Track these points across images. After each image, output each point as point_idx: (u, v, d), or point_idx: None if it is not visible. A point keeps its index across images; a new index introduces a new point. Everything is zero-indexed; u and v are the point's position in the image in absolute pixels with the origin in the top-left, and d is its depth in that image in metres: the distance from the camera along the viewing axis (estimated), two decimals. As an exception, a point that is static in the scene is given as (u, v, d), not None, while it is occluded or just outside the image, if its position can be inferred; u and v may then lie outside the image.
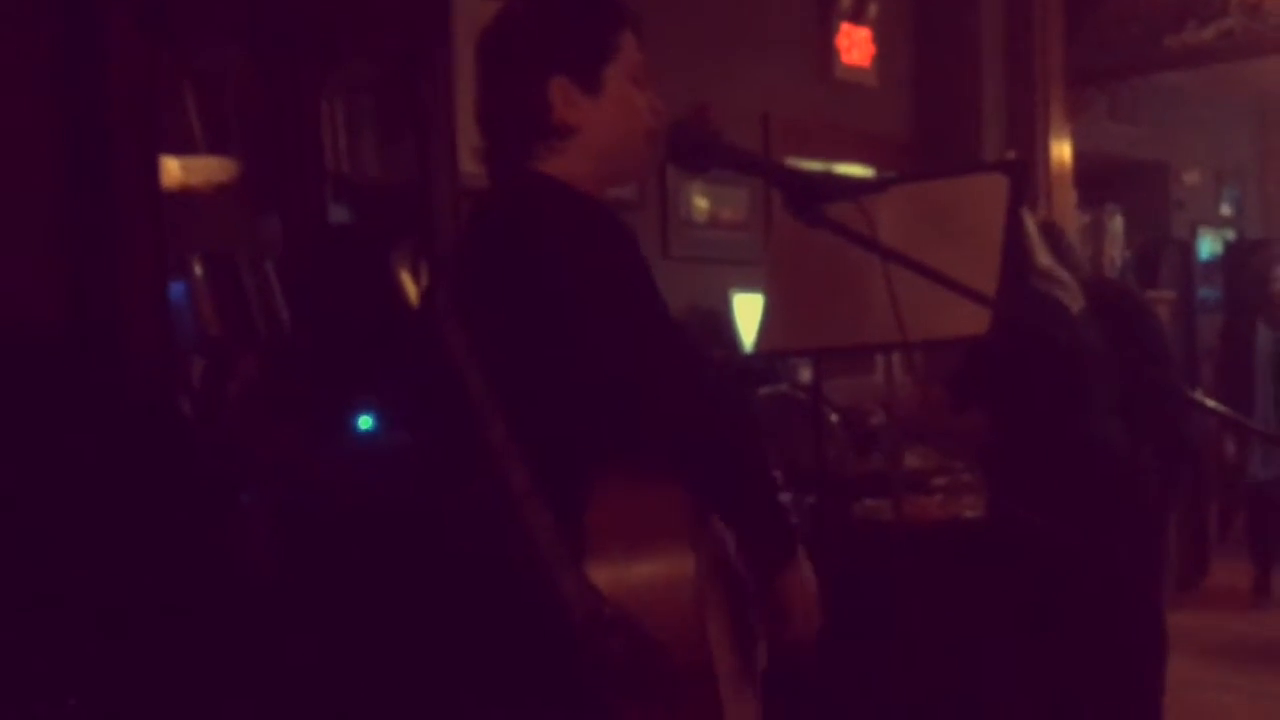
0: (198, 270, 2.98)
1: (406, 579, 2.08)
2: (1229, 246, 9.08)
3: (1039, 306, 3.12)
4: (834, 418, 3.33)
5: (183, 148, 3.01)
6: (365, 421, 2.97)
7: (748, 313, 4.44)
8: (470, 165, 3.62)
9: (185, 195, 3.01)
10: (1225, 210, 9.98)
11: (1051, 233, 4.16)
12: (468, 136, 3.38)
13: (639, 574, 1.50)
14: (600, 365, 1.55)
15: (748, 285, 4.47)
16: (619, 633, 1.46)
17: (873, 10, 5.56)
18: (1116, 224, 6.11)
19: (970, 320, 2.36)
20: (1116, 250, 6.11)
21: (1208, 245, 9.48)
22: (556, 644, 1.50)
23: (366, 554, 2.56)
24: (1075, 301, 3.37)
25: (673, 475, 1.53)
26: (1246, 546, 6.66)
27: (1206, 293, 8.65)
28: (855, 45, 5.55)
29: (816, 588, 1.67)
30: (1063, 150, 6.07)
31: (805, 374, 3.91)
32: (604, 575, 1.50)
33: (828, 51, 5.45)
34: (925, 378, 3.59)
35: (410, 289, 3.22)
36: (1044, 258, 3.30)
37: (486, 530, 1.60)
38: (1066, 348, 3.00)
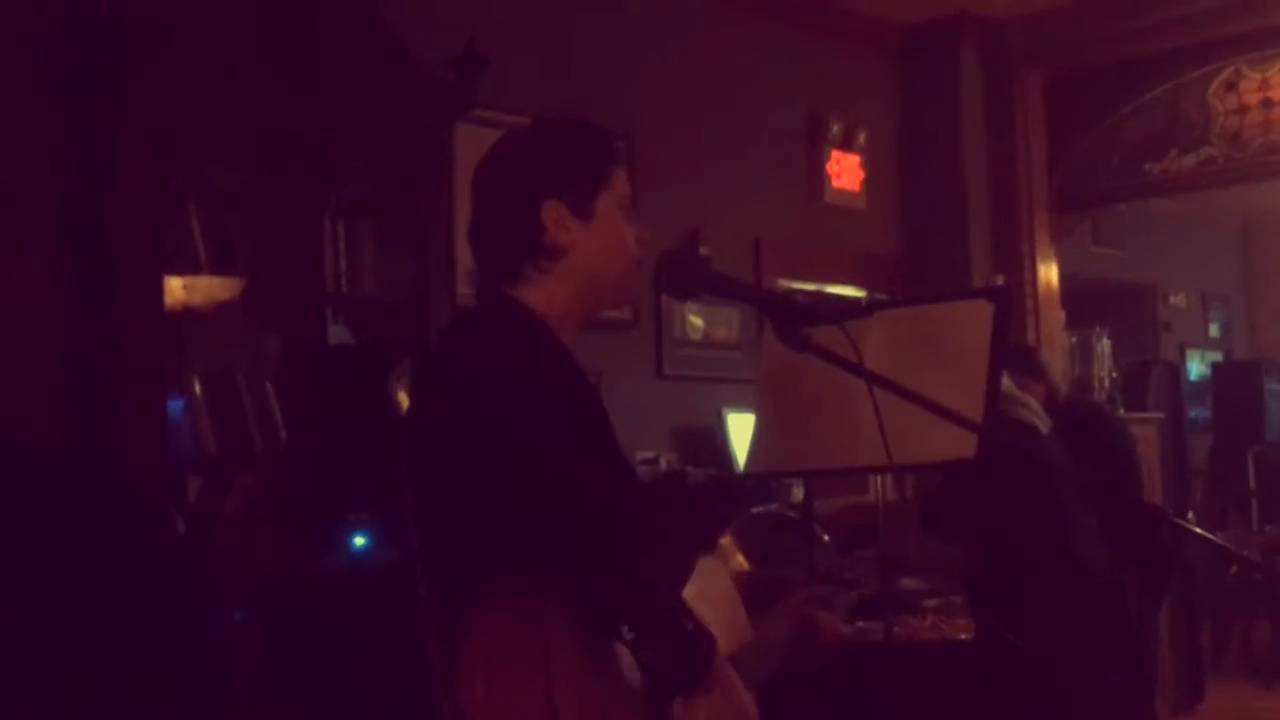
0: (197, 388, 3.00)
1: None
2: (1217, 367, 9.13)
3: (1007, 429, 3.14)
4: (825, 538, 3.32)
5: (186, 267, 3.05)
6: (360, 540, 2.96)
7: (740, 431, 4.45)
8: (467, 286, 3.69)
9: (187, 314, 3.04)
10: (1213, 331, 10.06)
11: (1023, 353, 4.21)
12: (465, 258, 3.44)
13: (497, 703, 1.49)
14: (486, 490, 1.57)
15: (741, 404, 4.49)
16: None
17: (862, 138, 5.68)
18: (1104, 345, 6.17)
19: (957, 445, 2.38)
20: (1105, 371, 6.17)
21: (1196, 366, 9.54)
22: None
23: (356, 667, 2.54)
24: (1042, 422, 3.40)
25: (545, 603, 1.52)
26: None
27: (1196, 413, 8.67)
28: (845, 171, 5.65)
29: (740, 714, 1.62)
30: (1049, 273, 6.14)
31: (798, 493, 3.92)
32: (470, 701, 1.50)
33: (818, 177, 5.55)
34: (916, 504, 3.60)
35: (406, 406, 3.23)
36: (1005, 381, 3.33)
37: (399, 652, 1.61)
38: (1037, 468, 3.02)
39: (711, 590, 1.88)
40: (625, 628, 1.53)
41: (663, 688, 1.58)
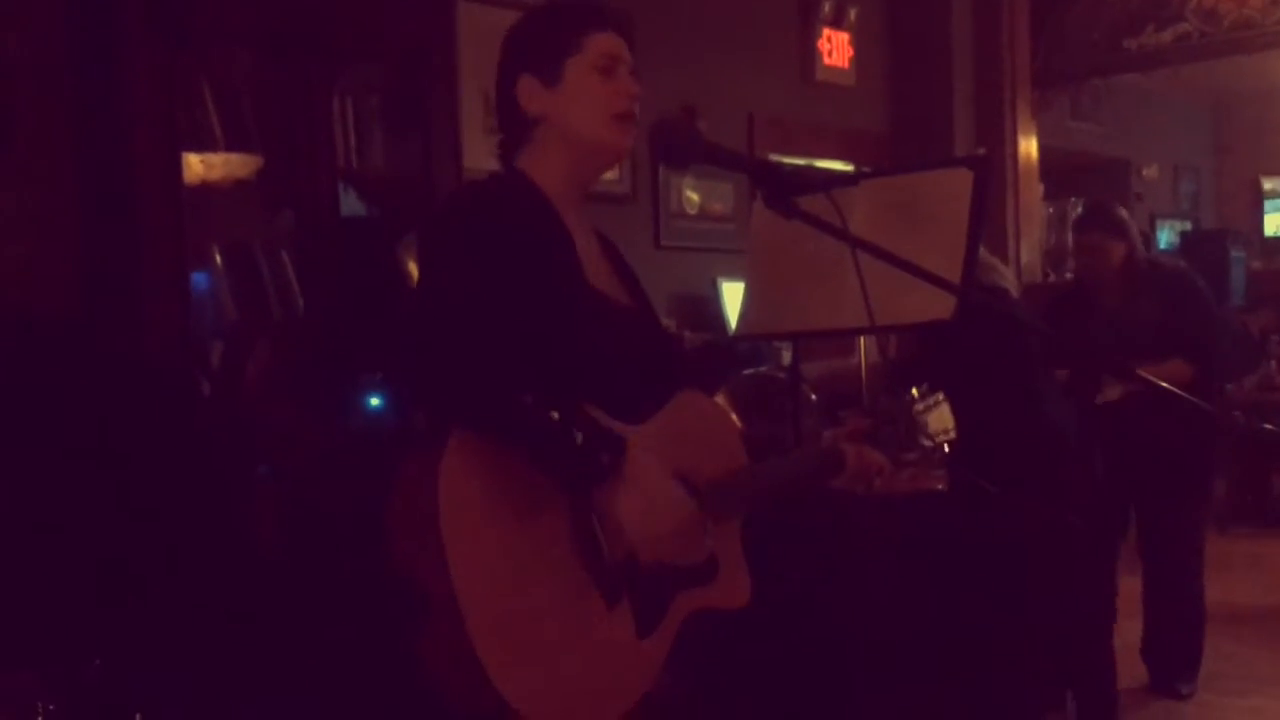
0: (217, 260, 2.99)
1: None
2: (1185, 236, 9.08)
3: (980, 292, 3.12)
4: (812, 397, 3.33)
5: (203, 145, 3.01)
6: (374, 400, 2.97)
7: (734, 299, 4.43)
8: (472, 159, 3.64)
9: (205, 189, 3.01)
10: (1182, 202, 9.98)
11: (1103, 211, 4.14)
12: (470, 131, 3.38)
13: (399, 522, 1.52)
14: (404, 329, 1.60)
15: (734, 273, 4.47)
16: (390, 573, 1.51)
17: (852, 15, 5.56)
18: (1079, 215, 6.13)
19: (936, 305, 2.36)
20: (1079, 239, 6.12)
21: (1166, 235, 9.49)
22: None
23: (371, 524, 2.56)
24: (1012, 286, 3.38)
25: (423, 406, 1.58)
26: None
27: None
28: (835, 48, 5.55)
29: (665, 511, 1.64)
30: (1029, 146, 6.06)
31: (788, 356, 3.92)
32: (395, 552, 1.52)
33: (810, 54, 5.45)
34: (899, 362, 3.59)
35: (415, 275, 3.21)
36: (981, 249, 3.29)
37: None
38: (1007, 329, 3.00)
39: (704, 420, 1.87)
40: (510, 443, 1.54)
41: (568, 488, 1.60)
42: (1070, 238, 4.30)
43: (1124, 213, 4.12)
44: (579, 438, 1.55)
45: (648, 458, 1.64)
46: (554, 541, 1.58)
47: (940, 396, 2.23)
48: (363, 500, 2.63)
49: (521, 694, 1.48)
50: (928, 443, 2.25)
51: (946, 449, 2.93)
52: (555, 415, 1.54)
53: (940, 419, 2.30)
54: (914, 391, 2.16)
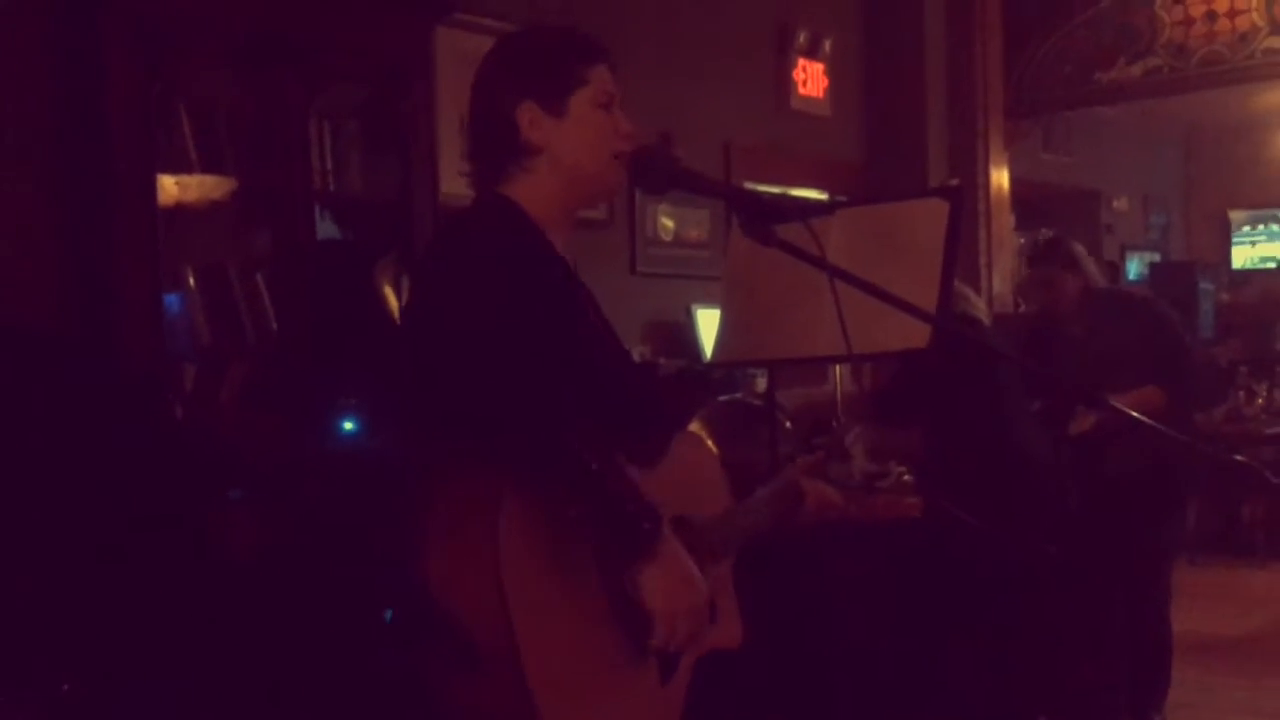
0: (191, 282, 2.97)
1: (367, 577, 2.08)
2: (1154, 267, 9.16)
3: (954, 322, 3.14)
4: (788, 424, 3.33)
5: (179, 167, 2.99)
6: (349, 424, 2.95)
7: (709, 325, 4.44)
8: (449, 183, 3.63)
9: (180, 211, 2.99)
10: (1152, 234, 10.08)
11: (1053, 246, 4.16)
12: (447, 156, 3.38)
13: (448, 563, 1.49)
14: (440, 370, 1.57)
15: (709, 300, 4.48)
16: (437, 621, 1.48)
17: (827, 46, 5.60)
18: (1051, 246, 6.17)
19: (911, 334, 2.37)
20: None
21: (1135, 266, 9.58)
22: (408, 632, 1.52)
23: (345, 547, 2.54)
24: (984, 315, 3.40)
25: (499, 479, 1.51)
26: None
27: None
28: (810, 78, 5.58)
29: (684, 590, 1.62)
30: (1001, 177, 6.11)
31: (762, 384, 3.92)
32: (431, 573, 1.50)
33: (785, 84, 5.49)
34: (870, 394, 3.60)
35: (391, 299, 3.20)
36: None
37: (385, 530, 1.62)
38: (981, 358, 3.02)
39: (693, 460, 1.88)
40: (570, 506, 1.53)
41: (607, 555, 1.59)
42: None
43: (1077, 247, 4.15)
44: (628, 505, 1.54)
45: (674, 540, 1.63)
46: (593, 592, 1.58)
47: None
48: (339, 522, 2.62)
49: None
50: (859, 476, 2.29)
51: (908, 478, 2.94)
52: (594, 467, 1.52)
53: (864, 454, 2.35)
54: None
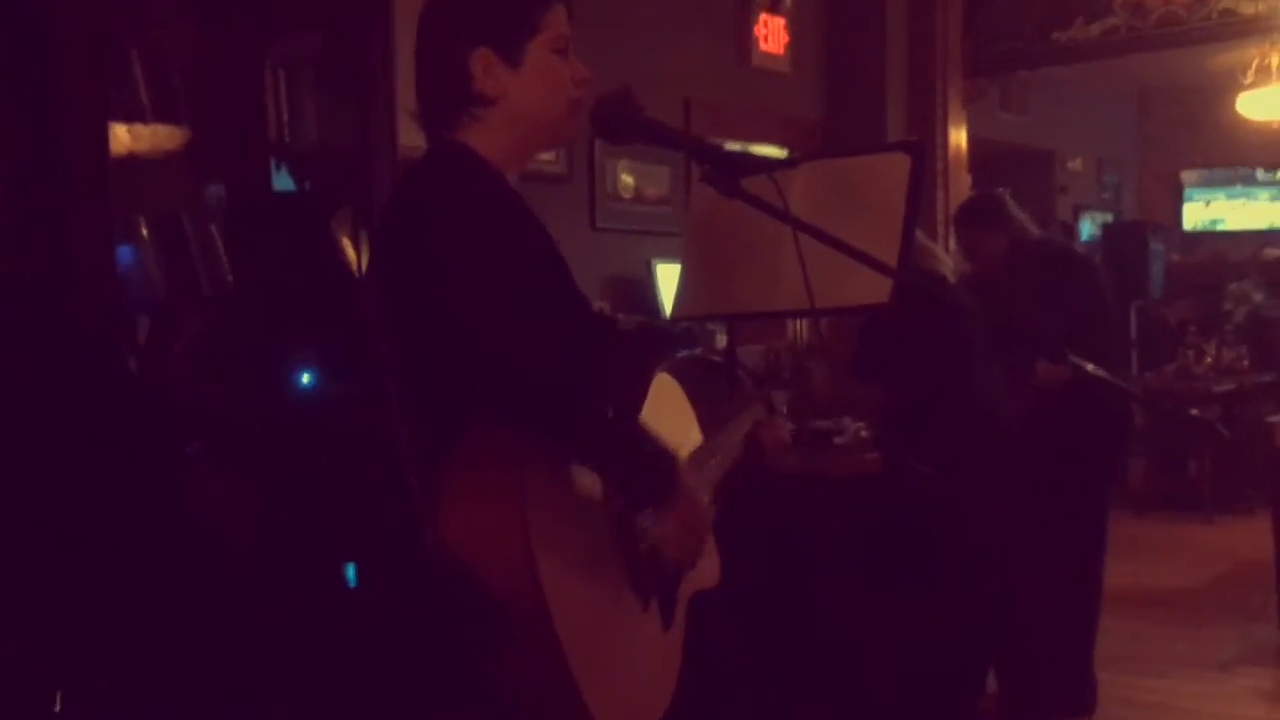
0: (145, 233, 2.91)
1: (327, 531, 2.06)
2: (1107, 228, 9.25)
3: (920, 276, 3.14)
4: (747, 380, 3.33)
5: (131, 115, 2.93)
6: (305, 377, 2.92)
7: (668, 281, 4.43)
8: (408, 135, 3.59)
9: (133, 161, 2.93)
10: (1105, 194, 10.17)
11: (980, 207, 4.13)
12: (406, 106, 3.33)
13: (473, 526, 1.47)
14: (453, 324, 1.54)
15: (669, 256, 4.47)
16: (461, 583, 1.45)
17: (788, 1, 5.57)
18: (1007, 205, 6.19)
19: (873, 289, 2.37)
20: (1006, 229, 6.19)
21: (1088, 226, 9.66)
22: (424, 594, 1.49)
23: (302, 503, 2.53)
24: (949, 270, 3.40)
25: (514, 426, 1.50)
26: None
27: (1087, 270, 8.76)
28: (771, 34, 5.55)
29: (697, 523, 1.66)
30: (959, 137, 6.12)
31: (721, 340, 3.92)
32: (450, 528, 1.47)
33: (746, 39, 5.45)
34: (831, 349, 3.61)
35: (349, 252, 3.16)
36: (917, 232, 3.30)
37: (377, 485, 1.60)
38: (943, 313, 3.03)
39: (668, 401, 1.90)
40: (591, 459, 1.55)
41: (630, 504, 1.61)
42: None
43: (1003, 203, 4.04)
44: (649, 450, 1.56)
45: (690, 474, 1.66)
46: (609, 548, 1.59)
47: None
48: (296, 479, 2.60)
49: (604, 708, 1.48)
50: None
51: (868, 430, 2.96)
52: (611, 414, 1.55)
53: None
54: None
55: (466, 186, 1.70)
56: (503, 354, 1.51)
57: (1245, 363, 7.78)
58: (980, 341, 3.30)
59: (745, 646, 2.08)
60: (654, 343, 3.87)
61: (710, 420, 1.99)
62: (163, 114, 2.99)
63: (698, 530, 1.67)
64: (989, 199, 4.13)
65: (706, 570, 1.83)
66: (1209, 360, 7.76)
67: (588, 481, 1.58)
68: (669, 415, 1.86)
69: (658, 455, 1.58)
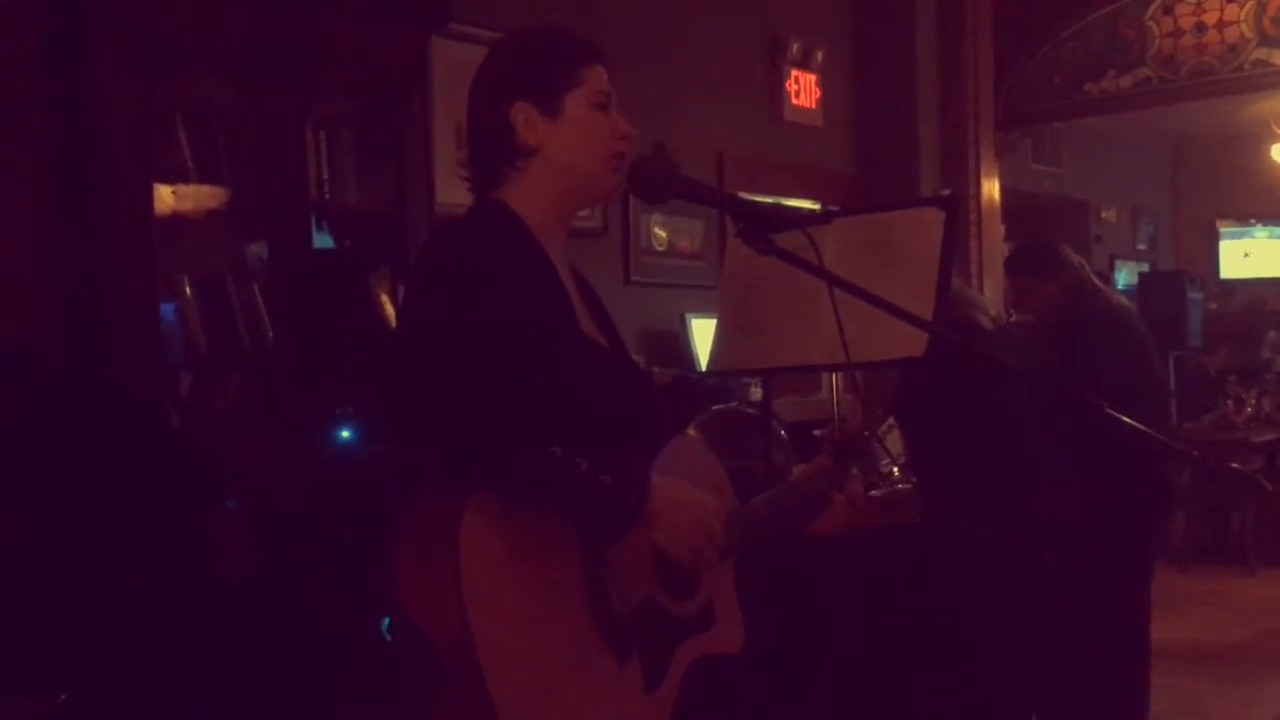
0: (188, 291, 2.96)
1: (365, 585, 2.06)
2: (1143, 277, 9.19)
3: (957, 328, 3.10)
4: (782, 433, 3.33)
5: (175, 177, 2.99)
6: (345, 433, 2.94)
7: (702, 335, 4.44)
8: (445, 193, 3.63)
9: (177, 221, 2.99)
10: (1140, 244, 10.12)
11: (1031, 253, 4.01)
12: (443, 166, 3.36)
13: (414, 580, 1.48)
14: (412, 373, 1.54)
15: (702, 310, 4.48)
16: (409, 636, 1.47)
17: (819, 57, 5.61)
18: (1041, 256, 6.17)
19: (908, 343, 2.37)
20: (1041, 280, 6.17)
21: (1124, 276, 9.60)
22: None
23: (340, 557, 2.53)
24: (986, 319, 3.34)
25: (463, 488, 1.49)
26: None
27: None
28: (803, 89, 5.59)
29: (694, 519, 1.62)
30: (992, 188, 6.13)
31: (756, 392, 3.92)
32: (399, 579, 1.50)
33: (778, 95, 5.50)
34: (867, 399, 3.58)
35: (387, 308, 3.20)
36: (955, 280, 3.26)
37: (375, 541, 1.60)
38: (979, 365, 2.99)
39: (695, 464, 1.85)
40: (538, 499, 1.51)
41: (599, 537, 1.57)
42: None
43: (1055, 249, 3.93)
44: (606, 480, 1.51)
45: (664, 480, 1.61)
46: (567, 600, 1.56)
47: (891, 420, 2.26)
48: (335, 534, 2.61)
49: None
50: (888, 463, 2.25)
51: (909, 482, 2.93)
52: (583, 465, 1.49)
53: (896, 440, 2.32)
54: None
55: (479, 231, 1.74)
56: (406, 374, 1.52)
57: (1286, 412, 7.69)
58: (1017, 394, 3.24)
59: (771, 700, 2.04)
60: (688, 396, 3.87)
61: (744, 483, 1.93)
62: (206, 174, 3.05)
63: (700, 524, 1.62)
64: (1040, 244, 4.03)
65: (724, 634, 1.79)
66: (1249, 410, 7.66)
67: (549, 529, 1.54)
68: (698, 480, 1.82)
69: (615, 486, 1.52)
